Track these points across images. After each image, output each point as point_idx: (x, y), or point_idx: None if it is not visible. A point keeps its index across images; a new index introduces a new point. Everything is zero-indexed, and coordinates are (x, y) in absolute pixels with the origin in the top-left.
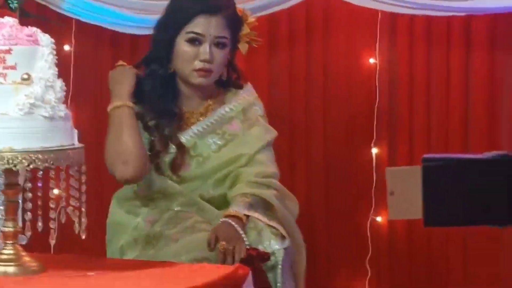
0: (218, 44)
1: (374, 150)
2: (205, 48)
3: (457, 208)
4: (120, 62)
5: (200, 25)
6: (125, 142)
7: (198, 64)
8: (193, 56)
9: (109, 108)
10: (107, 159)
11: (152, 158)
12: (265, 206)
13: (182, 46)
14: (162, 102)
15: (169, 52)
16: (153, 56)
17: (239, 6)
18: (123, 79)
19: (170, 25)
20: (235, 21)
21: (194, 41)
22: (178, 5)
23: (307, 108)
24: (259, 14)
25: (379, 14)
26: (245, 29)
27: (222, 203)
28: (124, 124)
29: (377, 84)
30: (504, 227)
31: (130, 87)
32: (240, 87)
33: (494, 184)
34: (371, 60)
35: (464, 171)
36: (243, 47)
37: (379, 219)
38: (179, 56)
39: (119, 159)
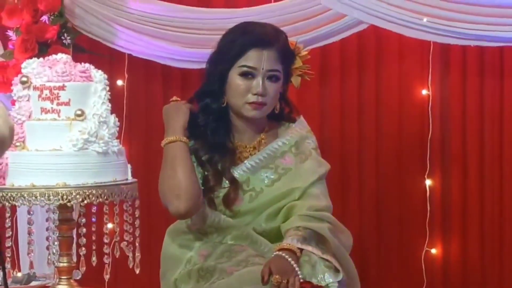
0: (270, 77)
1: (428, 182)
2: (258, 82)
3: None
4: (174, 98)
5: (253, 58)
6: (179, 177)
7: (251, 97)
8: (246, 90)
9: (163, 143)
10: (161, 193)
11: (205, 192)
12: (319, 240)
13: (235, 80)
14: (215, 137)
15: (222, 86)
16: (206, 90)
17: (292, 39)
18: (177, 114)
19: (223, 59)
20: (287, 54)
21: (247, 74)
22: (230, 39)
23: (359, 140)
24: (311, 47)
25: (431, 45)
26: (298, 62)
27: (275, 236)
28: (177, 158)
29: (430, 115)
30: None
31: (184, 122)
32: (293, 120)
33: None
34: (424, 91)
35: None
36: (295, 81)
37: (433, 251)
38: (232, 89)
39: (172, 194)
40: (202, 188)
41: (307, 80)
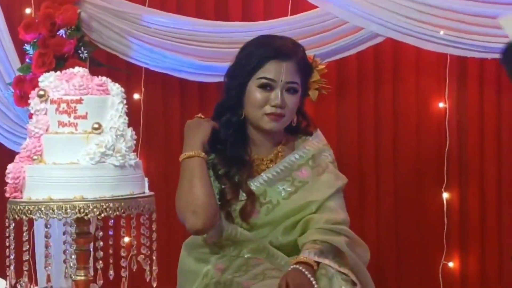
0: (289, 89)
1: (445, 195)
2: (276, 94)
3: None
4: (199, 115)
5: (272, 70)
6: (196, 193)
7: (269, 109)
8: (264, 101)
9: (181, 157)
10: (178, 209)
11: (222, 206)
12: (336, 253)
13: (254, 92)
14: (233, 150)
15: (240, 99)
16: (225, 104)
17: (308, 52)
18: (198, 130)
19: (241, 71)
20: (305, 67)
21: (266, 86)
22: (249, 51)
23: (376, 153)
24: (328, 60)
25: (448, 57)
26: (315, 76)
27: (291, 250)
28: (195, 174)
29: (447, 128)
30: None
31: (204, 138)
32: (309, 134)
33: None
34: (441, 104)
35: None
36: (313, 94)
37: (451, 264)
38: (251, 101)
39: (189, 210)
40: (219, 202)
41: (324, 94)
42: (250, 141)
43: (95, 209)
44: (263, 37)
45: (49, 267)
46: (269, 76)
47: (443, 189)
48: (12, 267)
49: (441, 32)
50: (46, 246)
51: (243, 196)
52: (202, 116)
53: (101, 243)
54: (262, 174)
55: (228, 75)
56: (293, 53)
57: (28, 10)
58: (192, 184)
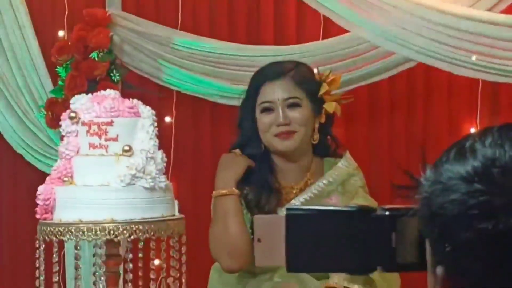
0: (290, 105)
1: None
2: (277, 113)
3: (314, 255)
4: (237, 151)
5: (267, 92)
6: (231, 234)
7: (275, 129)
8: (269, 124)
9: (214, 194)
10: (212, 248)
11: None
12: (366, 280)
13: (260, 118)
14: (259, 178)
15: (254, 129)
16: (242, 137)
17: (343, 77)
18: (232, 165)
19: (246, 103)
20: (306, 81)
21: (267, 110)
22: (249, 83)
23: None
24: (359, 84)
25: (480, 82)
26: (324, 88)
27: (321, 274)
28: (229, 214)
29: None
30: (354, 274)
31: (238, 174)
32: (339, 156)
33: (344, 234)
34: (472, 129)
35: (321, 221)
36: (329, 106)
37: None
38: (260, 128)
39: (224, 250)
40: (251, 232)
41: (356, 119)
42: (277, 169)
43: (125, 231)
44: (263, 65)
45: None
46: (267, 98)
47: None
48: None
49: (473, 58)
50: (76, 268)
51: None
52: (240, 153)
53: (131, 265)
54: (291, 202)
55: (240, 109)
56: (287, 70)
57: (61, 33)
58: (226, 224)
